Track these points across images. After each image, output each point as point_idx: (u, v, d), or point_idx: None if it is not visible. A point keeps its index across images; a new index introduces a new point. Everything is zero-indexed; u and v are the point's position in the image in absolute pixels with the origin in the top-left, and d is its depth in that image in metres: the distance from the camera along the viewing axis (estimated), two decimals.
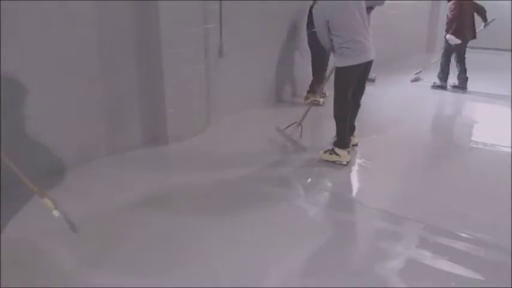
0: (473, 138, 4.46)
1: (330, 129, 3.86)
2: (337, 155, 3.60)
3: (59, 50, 3.09)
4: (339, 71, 3.48)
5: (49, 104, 3.10)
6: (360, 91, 3.69)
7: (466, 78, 6.35)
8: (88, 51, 3.28)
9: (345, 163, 3.58)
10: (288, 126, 4.00)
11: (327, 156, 3.63)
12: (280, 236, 2.54)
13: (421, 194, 3.13)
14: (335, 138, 3.67)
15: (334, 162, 3.60)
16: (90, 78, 3.35)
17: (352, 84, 3.51)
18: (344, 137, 3.60)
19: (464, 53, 6.33)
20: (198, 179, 3.24)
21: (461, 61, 6.32)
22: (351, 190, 3.30)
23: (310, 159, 3.68)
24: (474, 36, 6.28)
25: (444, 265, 2.28)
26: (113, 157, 3.54)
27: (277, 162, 3.63)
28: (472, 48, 6.55)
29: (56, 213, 2.34)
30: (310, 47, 5.29)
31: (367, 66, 3.51)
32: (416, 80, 7.03)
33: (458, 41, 6.07)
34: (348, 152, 3.64)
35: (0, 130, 2.76)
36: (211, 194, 3.05)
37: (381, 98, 5.86)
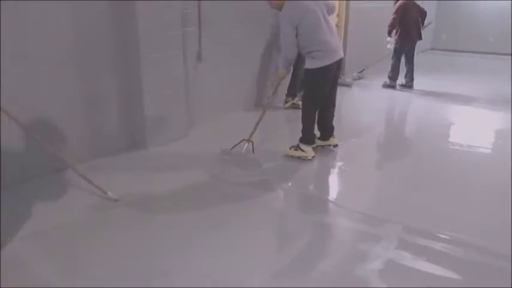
0: (450, 140, 4.54)
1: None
2: (302, 150, 3.67)
3: (34, 53, 3.02)
4: (311, 73, 3.53)
5: (22, 109, 3.01)
6: (333, 91, 3.76)
7: (413, 78, 6.64)
8: (64, 55, 3.22)
9: (310, 158, 3.67)
10: (235, 145, 3.71)
11: (292, 152, 3.70)
12: (258, 239, 2.53)
13: (399, 196, 3.16)
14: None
15: (299, 157, 3.66)
16: (67, 82, 3.28)
17: (325, 85, 3.58)
18: (309, 134, 3.69)
19: (413, 54, 6.60)
20: (176, 183, 3.21)
21: (409, 62, 6.62)
22: (330, 192, 3.31)
23: (289, 162, 3.68)
24: (420, 38, 6.56)
25: (423, 266, 2.30)
26: (90, 163, 3.47)
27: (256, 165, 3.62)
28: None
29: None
30: None
31: (338, 65, 3.60)
32: (359, 78, 7.17)
33: (393, 43, 6.40)
34: (313, 148, 3.72)
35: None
36: (188, 198, 3.02)
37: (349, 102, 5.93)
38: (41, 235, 2.48)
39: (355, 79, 7.05)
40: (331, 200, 3.13)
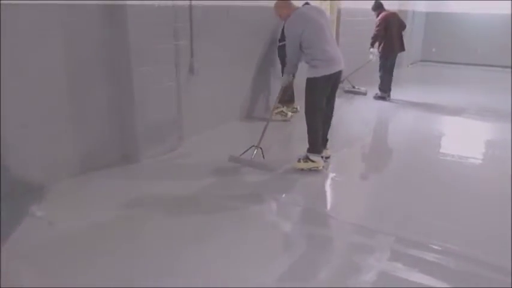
0: (441, 150, 4.57)
1: (299, 146, 3.88)
2: (312, 161, 3.66)
3: (26, 68, 3.02)
4: (311, 82, 3.57)
5: (16, 123, 3.01)
6: (331, 103, 3.80)
7: (390, 88, 6.73)
8: (57, 69, 3.22)
9: (321, 168, 3.67)
10: (245, 152, 3.78)
11: (302, 165, 3.68)
12: (251, 251, 2.52)
13: (391, 206, 3.17)
14: (302, 155, 3.73)
15: (310, 169, 3.65)
16: (59, 96, 3.28)
17: (325, 94, 3.63)
18: (317, 143, 3.68)
19: (393, 65, 6.70)
20: (168, 195, 3.20)
21: (389, 72, 6.70)
22: (322, 204, 3.31)
23: (282, 174, 3.68)
24: (403, 49, 6.74)
25: (416, 277, 2.30)
26: (82, 176, 3.45)
27: (249, 177, 3.62)
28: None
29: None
30: (281, 59, 5.36)
31: (338, 76, 3.65)
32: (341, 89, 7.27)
33: (377, 54, 6.52)
34: (322, 158, 3.73)
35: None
36: (180, 209, 3.01)
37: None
38: (36, 246, 2.48)
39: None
40: (324, 211, 3.12)
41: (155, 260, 2.40)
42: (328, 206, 3.27)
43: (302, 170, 3.66)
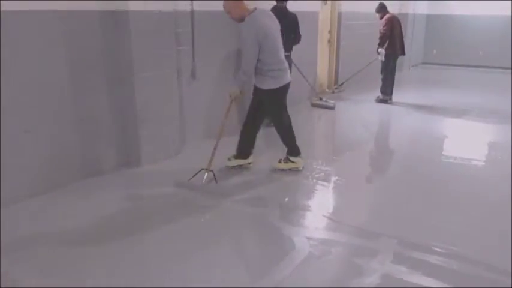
0: (443, 153, 4.57)
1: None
2: (292, 162, 3.76)
3: (29, 72, 3.04)
4: (273, 93, 3.56)
5: (17, 127, 3.03)
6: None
7: (392, 91, 6.71)
8: (59, 74, 3.24)
9: (301, 168, 3.77)
10: (194, 176, 3.46)
11: (283, 165, 3.78)
12: (254, 255, 2.53)
13: (394, 209, 3.17)
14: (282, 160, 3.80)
15: (290, 169, 3.75)
16: (62, 101, 3.30)
17: (285, 102, 3.70)
18: (294, 146, 3.77)
19: (395, 67, 6.71)
20: (169, 200, 3.21)
21: (391, 74, 6.69)
22: (325, 207, 3.31)
23: (283, 177, 3.69)
24: (403, 53, 6.76)
25: (419, 279, 2.30)
26: (84, 181, 3.47)
27: (250, 182, 3.62)
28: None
29: None
30: None
31: (289, 86, 3.65)
32: (339, 91, 7.30)
33: (383, 55, 6.48)
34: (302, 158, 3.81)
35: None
36: (181, 214, 3.01)
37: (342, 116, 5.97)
38: (37, 252, 2.48)
39: (335, 91, 7.16)
40: (326, 214, 3.12)
41: (156, 262, 2.41)
42: (331, 209, 3.27)
43: (283, 170, 3.75)
